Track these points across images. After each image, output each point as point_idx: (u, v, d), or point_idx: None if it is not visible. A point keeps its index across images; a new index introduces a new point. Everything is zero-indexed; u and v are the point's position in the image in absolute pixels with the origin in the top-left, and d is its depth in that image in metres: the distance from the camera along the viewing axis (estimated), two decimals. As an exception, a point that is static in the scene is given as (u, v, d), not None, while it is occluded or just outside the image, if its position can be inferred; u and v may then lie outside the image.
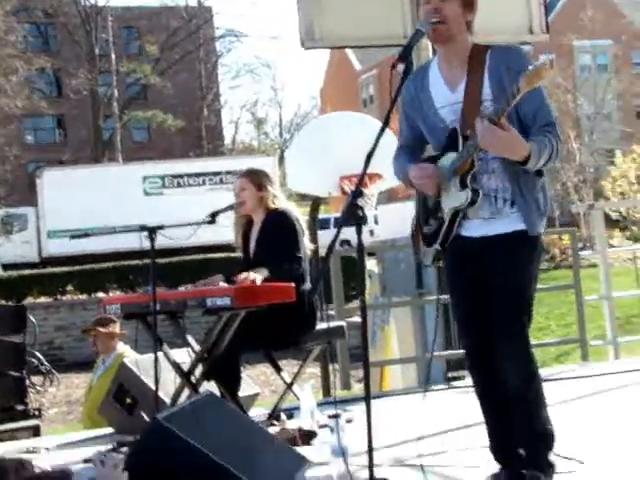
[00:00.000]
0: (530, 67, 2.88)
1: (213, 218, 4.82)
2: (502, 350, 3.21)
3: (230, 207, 5.04)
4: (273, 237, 4.89)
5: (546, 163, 3.15)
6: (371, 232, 30.66)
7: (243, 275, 4.63)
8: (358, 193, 3.03)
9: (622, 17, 43.03)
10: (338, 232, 3.24)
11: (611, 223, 24.09)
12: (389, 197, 29.08)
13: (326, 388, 9.83)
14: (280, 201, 5.06)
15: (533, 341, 3.31)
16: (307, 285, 4.89)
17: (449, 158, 3.29)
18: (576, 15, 39.66)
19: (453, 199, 3.28)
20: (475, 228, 3.31)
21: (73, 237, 4.85)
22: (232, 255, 5.27)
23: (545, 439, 3.25)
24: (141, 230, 4.58)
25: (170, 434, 3.31)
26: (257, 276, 4.60)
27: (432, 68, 3.41)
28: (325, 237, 4.53)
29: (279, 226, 4.91)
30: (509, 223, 3.25)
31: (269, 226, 4.97)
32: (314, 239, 10.28)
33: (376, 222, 30.44)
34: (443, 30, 3.25)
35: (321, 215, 22.36)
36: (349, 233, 3.23)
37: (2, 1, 31.80)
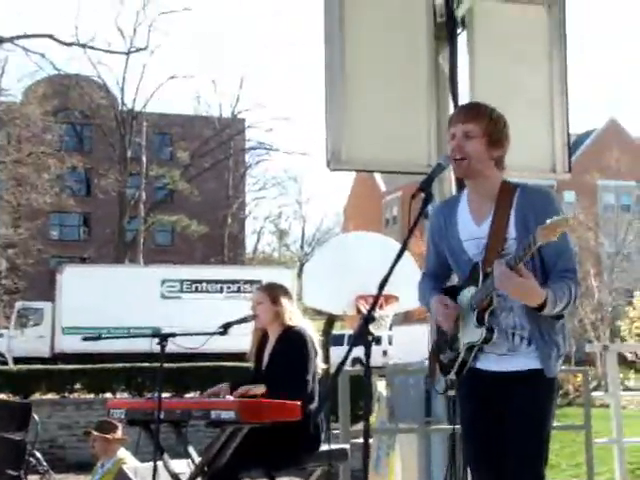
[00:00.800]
0: (548, 221, 2.90)
1: (225, 330, 4.85)
2: None
3: (244, 319, 5.07)
4: (285, 356, 4.91)
5: (563, 309, 3.16)
6: (384, 352, 30.50)
7: (244, 388, 4.70)
8: (370, 318, 3.05)
9: (648, 160, 43.61)
10: (347, 354, 3.24)
11: (627, 364, 23.84)
12: (404, 318, 29.04)
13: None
14: (296, 318, 5.08)
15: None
16: (315, 405, 4.85)
17: (469, 291, 3.33)
18: (602, 155, 40.30)
19: (469, 334, 3.29)
20: (491, 362, 3.31)
21: (86, 339, 4.87)
22: (243, 364, 5.29)
23: None
24: (153, 336, 4.59)
25: None
26: (255, 391, 4.68)
27: (462, 200, 3.46)
28: (338, 354, 4.49)
29: (292, 346, 4.92)
30: (526, 361, 3.24)
31: (283, 344, 4.99)
32: (326, 356, 10.28)
33: (390, 343, 30.33)
34: (465, 166, 3.31)
35: (336, 331, 22.36)
36: (362, 352, 3.22)
37: (43, 101, 32.73)
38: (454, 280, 3.56)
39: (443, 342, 3.44)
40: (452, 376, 3.38)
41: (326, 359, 10.01)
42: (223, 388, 4.87)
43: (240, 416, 4.36)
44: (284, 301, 5.05)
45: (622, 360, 21.77)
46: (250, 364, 5.23)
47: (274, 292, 5.09)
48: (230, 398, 4.66)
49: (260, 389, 4.75)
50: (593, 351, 16.66)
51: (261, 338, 5.15)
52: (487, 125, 3.32)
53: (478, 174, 3.34)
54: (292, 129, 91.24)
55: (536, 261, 3.23)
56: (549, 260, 3.23)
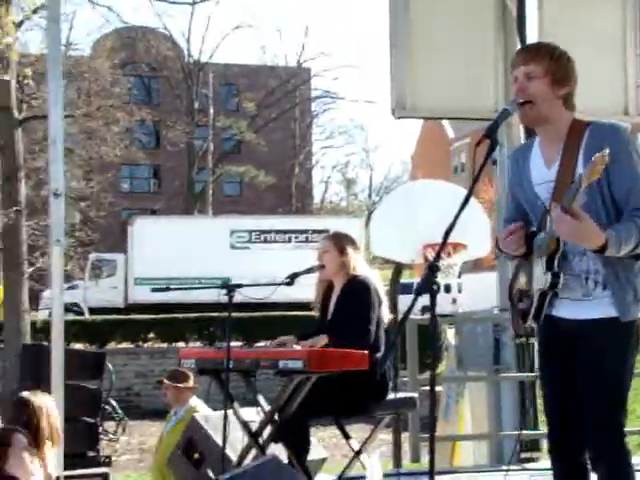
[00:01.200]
0: (589, 163, 2.85)
1: (292, 280, 4.86)
2: (595, 452, 3.14)
3: (310, 269, 5.06)
4: (349, 305, 4.90)
5: (635, 249, 3.05)
6: (454, 300, 30.42)
7: (302, 343, 4.74)
8: (435, 266, 3.02)
9: None
10: (412, 304, 3.22)
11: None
12: (474, 266, 28.84)
13: (397, 457, 9.72)
14: (361, 267, 5.06)
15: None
16: (381, 354, 4.86)
17: (540, 238, 3.26)
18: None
19: (539, 280, 3.23)
20: (565, 309, 3.24)
21: (155, 290, 4.94)
22: (312, 314, 5.31)
23: None
24: (221, 287, 4.64)
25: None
26: (315, 344, 4.70)
27: (535, 144, 3.37)
28: (406, 302, 4.49)
29: (356, 295, 4.90)
30: (600, 308, 3.15)
31: (347, 293, 4.97)
32: (394, 305, 10.29)
33: (460, 291, 30.22)
34: (530, 110, 3.22)
35: (404, 280, 22.30)
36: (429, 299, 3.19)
37: (111, 55, 32.99)
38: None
39: (519, 290, 3.39)
40: (530, 323, 3.32)
41: (394, 307, 10.08)
42: (290, 339, 4.90)
43: (308, 365, 4.38)
44: (350, 251, 5.03)
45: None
46: (316, 314, 5.26)
47: (341, 241, 5.07)
48: (298, 347, 4.69)
49: (322, 340, 4.75)
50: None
51: (326, 288, 5.15)
52: (549, 63, 3.22)
53: (545, 118, 3.25)
54: (358, 77, 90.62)
55: (607, 202, 3.14)
56: (620, 199, 3.13)
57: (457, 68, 6.04)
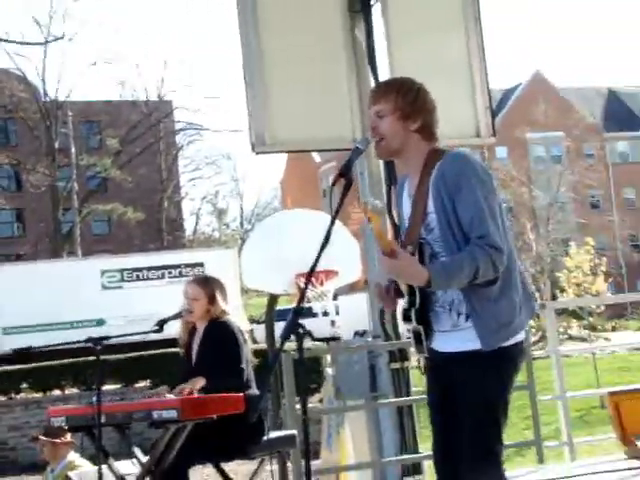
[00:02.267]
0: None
1: (161, 327, 4.80)
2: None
3: (178, 315, 5.03)
4: (214, 349, 4.89)
5: (473, 280, 3.02)
6: (332, 322, 30.60)
7: (180, 387, 4.66)
8: (299, 310, 3.01)
9: (574, 112, 44.26)
10: (281, 346, 3.22)
11: (568, 313, 24.29)
12: (350, 287, 29.11)
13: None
14: (225, 312, 5.06)
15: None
16: (253, 391, 4.84)
17: None
18: (529, 109, 40.77)
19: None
20: (438, 341, 3.24)
21: (16, 351, 4.75)
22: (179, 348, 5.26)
23: None
24: (86, 342, 4.50)
25: None
26: (194, 386, 4.63)
27: (407, 176, 3.37)
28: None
29: (220, 337, 4.91)
30: (465, 339, 3.14)
31: (210, 337, 4.98)
32: (271, 333, 10.25)
33: (337, 313, 30.40)
34: (384, 146, 3.25)
35: (281, 307, 22.36)
36: (309, 324, 3.17)
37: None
38: None
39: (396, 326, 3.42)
40: (417, 354, 3.31)
41: (271, 335, 10.03)
42: (162, 391, 4.81)
43: (182, 414, 4.32)
44: (219, 298, 5.03)
45: (563, 310, 22.16)
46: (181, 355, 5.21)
47: (210, 289, 5.04)
48: (171, 396, 4.60)
49: (199, 382, 4.70)
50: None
51: (191, 330, 5.12)
52: (395, 100, 3.23)
53: (398, 152, 3.28)
54: (221, 108, 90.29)
55: (456, 232, 3.13)
56: (465, 227, 3.12)
57: (312, 100, 6.09)
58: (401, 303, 3.30)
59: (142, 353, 22.13)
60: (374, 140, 3.24)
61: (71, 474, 5.51)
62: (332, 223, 3.08)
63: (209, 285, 5.08)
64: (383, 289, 3.28)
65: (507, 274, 3.14)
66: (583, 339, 22.89)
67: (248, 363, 4.90)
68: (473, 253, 3.03)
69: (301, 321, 3.00)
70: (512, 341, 3.16)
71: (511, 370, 3.21)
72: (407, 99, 3.25)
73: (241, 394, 4.57)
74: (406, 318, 3.25)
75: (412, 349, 3.38)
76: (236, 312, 5.21)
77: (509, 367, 3.20)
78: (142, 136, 45.90)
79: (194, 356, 5.04)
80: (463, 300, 3.16)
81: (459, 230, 3.13)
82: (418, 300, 3.17)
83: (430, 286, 3.01)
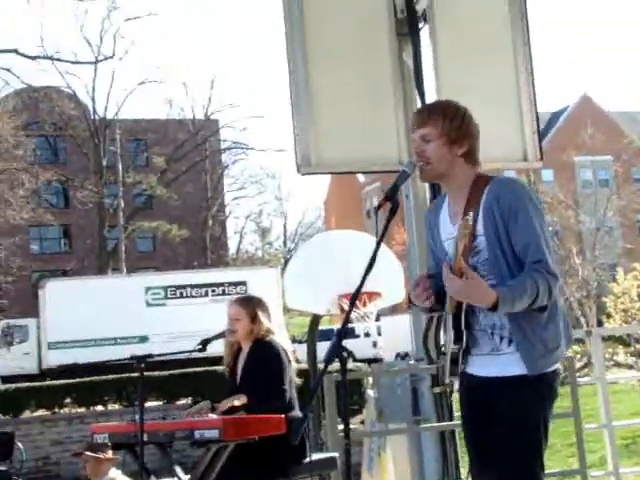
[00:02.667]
0: (458, 226, 2.89)
1: (204, 346, 4.81)
2: None
3: (221, 335, 5.05)
4: (258, 369, 4.90)
5: (532, 304, 3.04)
6: (374, 344, 30.54)
7: (222, 403, 4.71)
8: (343, 333, 3.00)
9: (622, 135, 43.82)
10: (325, 368, 3.23)
11: (615, 339, 23.93)
12: (392, 309, 29.06)
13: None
14: (271, 331, 5.06)
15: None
16: (296, 413, 4.83)
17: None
18: (577, 131, 40.45)
19: (450, 337, 3.23)
20: (476, 366, 3.25)
21: (63, 370, 4.79)
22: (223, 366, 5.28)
23: None
24: (130, 359, 4.53)
25: None
26: (235, 402, 4.69)
27: (445, 199, 3.40)
28: (325, 348, 4.37)
29: (264, 357, 4.91)
30: (508, 364, 3.15)
31: (255, 357, 4.99)
32: (313, 352, 10.24)
33: (379, 334, 30.33)
34: (429, 170, 3.26)
35: (323, 327, 22.36)
36: (351, 345, 3.16)
37: (12, 116, 32.48)
38: None
39: (437, 348, 3.38)
40: (447, 380, 3.29)
41: (313, 355, 10.00)
42: (204, 406, 4.83)
43: (224, 434, 4.32)
44: (262, 317, 5.04)
45: (610, 336, 21.86)
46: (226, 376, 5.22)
47: (253, 309, 5.06)
48: (213, 416, 4.61)
49: (241, 399, 4.71)
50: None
51: (236, 351, 5.13)
52: (442, 125, 3.24)
53: (443, 176, 3.29)
54: (266, 127, 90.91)
55: (509, 258, 3.15)
56: (520, 255, 3.15)
57: (358, 121, 6.09)
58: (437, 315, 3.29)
59: (185, 370, 22.22)
60: (420, 164, 3.24)
61: (113, 491, 5.53)
62: (377, 246, 3.09)
63: (251, 305, 5.10)
64: (422, 279, 3.26)
65: (554, 301, 3.15)
66: (630, 366, 22.53)
67: (292, 384, 4.90)
68: (533, 277, 3.05)
69: (344, 342, 3.01)
70: (554, 367, 3.19)
71: (553, 396, 3.24)
72: (454, 124, 3.27)
73: (283, 415, 4.56)
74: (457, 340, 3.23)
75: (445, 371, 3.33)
76: (279, 331, 5.20)
77: (551, 393, 3.22)
78: (188, 154, 46.32)
79: (238, 376, 5.05)
80: (506, 324, 3.16)
81: (511, 254, 3.15)
82: (463, 320, 3.17)
83: (496, 308, 3.01)
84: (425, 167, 3.25)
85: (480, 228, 3.18)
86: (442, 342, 3.34)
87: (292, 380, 4.92)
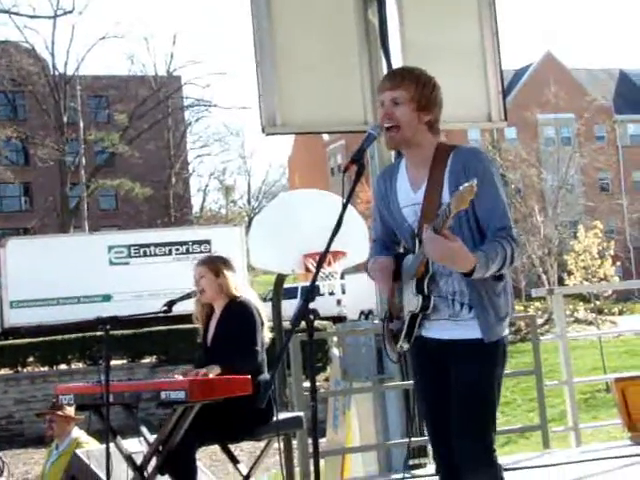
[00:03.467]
0: (456, 191, 2.89)
1: (170, 307, 4.81)
2: (461, 460, 3.18)
3: (187, 295, 5.02)
4: (231, 329, 4.88)
5: (499, 270, 3.11)
6: (338, 302, 30.68)
7: (194, 372, 4.65)
8: (310, 296, 3.03)
9: (585, 93, 44.03)
10: (292, 332, 3.25)
11: (575, 296, 24.26)
12: (357, 267, 29.12)
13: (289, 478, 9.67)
14: (241, 287, 5.05)
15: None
16: (265, 376, 4.85)
17: (409, 260, 3.31)
18: (540, 89, 40.57)
19: (409, 302, 3.28)
20: (434, 330, 3.30)
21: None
22: (197, 326, 5.25)
23: None
24: (97, 322, 4.51)
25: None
26: (210, 375, 4.60)
27: (401, 166, 3.41)
28: (291, 307, 4.36)
29: (238, 317, 4.90)
30: (466, 329, 3.22)
31: (228, 316, 4.96)
32: (278, 312, 10.27)
33: (343, 292, 30.46)
34: (396, 134, 3.26)
35: (288, 285, 22.37)
36: (315, 303, 3.18)
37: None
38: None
39: (392, 311, 3.42)
40: (402, 344, 3.35)
41: (278, 314, 10.04)
42: (189, 369, 4.85)
43: (190, 395, 4.34)
44: (227, 272, 5.02)
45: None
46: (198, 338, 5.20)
47: (215, 265, 5.05)
48: (179, 377, 4.62)
49: (215, 371, 4.68)
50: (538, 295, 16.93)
51: (208, 312, 5.11)
52: (415, 90, 3.26)
53: (410, 142, 3.30)
54: (230, 84, 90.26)
55: (471, 223, 3.21)
56: (483, 221, 3.20)
57: (324, 82, 6.07)
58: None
59: (149, 329, 22.22)
60: (387, 126, 3.24)
61: (78, 451, 5.53)
62: (344, 209, 3.10)
63: (212, 262, 5.09)
64: (389, 265, 3.31)
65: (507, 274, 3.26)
66: (590, 322, 22.90)
67: (263, 346, 4.91)
68: (502, 244, 3.11)
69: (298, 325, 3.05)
70: (504, 334, 3.28)
71: (505, 360, 3.34)
72: (425, 91, 3.29)
73: (248, 376, 4.58)
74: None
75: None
76: (246, 290, 5.17)
77: (504, 358, 3.32)
78: (150, 112, 45.77)
79: (210, 336, 5.05)
80: (465, 291, 3.22)
81: (474, 221, 3.21)
82: (427, 286, 3.22)
83: (471, 274, 3.05)
84: (393, 133, 3.25)
85: (446, 196, 3.20)
86: (392, 308, 3.40)
87: (263, 341, 4.93)
